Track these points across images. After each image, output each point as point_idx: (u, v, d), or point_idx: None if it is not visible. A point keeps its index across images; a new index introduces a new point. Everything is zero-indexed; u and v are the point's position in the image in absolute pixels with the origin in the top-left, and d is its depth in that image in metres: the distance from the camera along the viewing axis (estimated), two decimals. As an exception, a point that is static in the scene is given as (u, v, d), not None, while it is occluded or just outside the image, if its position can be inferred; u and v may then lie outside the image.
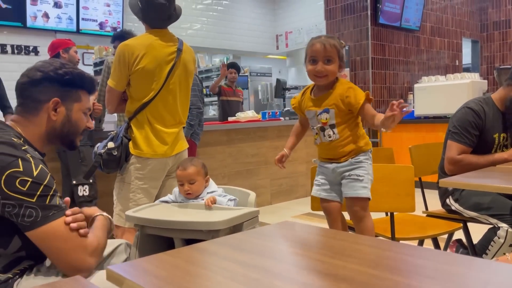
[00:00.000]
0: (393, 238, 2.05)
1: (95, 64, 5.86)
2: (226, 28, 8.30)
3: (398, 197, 2.09)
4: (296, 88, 7.36)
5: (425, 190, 2.59)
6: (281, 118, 5.25)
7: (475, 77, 5.45)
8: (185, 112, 2.47)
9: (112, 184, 2.43)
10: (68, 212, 1.24)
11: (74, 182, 3.12)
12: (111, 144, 2.29)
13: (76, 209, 1.29)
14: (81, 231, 1.24)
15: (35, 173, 1.19)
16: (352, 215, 1.98)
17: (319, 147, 2.04)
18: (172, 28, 2.39)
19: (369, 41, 6.18)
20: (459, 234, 2.36)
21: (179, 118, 2.42)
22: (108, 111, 2.57)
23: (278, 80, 6.93)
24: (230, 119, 4.91)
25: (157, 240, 1.74)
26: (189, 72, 2.44)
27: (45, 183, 1.20)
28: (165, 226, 1.66)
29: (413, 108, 5.76)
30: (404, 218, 2.39)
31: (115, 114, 3.53)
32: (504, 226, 2.06)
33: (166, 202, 1.94)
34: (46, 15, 5.96)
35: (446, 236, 2.39)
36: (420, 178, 2.59)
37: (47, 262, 1.31)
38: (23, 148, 1.23)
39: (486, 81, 5.67)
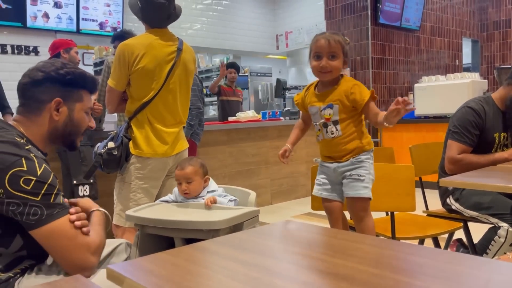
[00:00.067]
0: (393, 237, 2.04)
1: (95, 64, 5.86)
2: (226, 28, 8.30)
3: (398, 196, 2.09)
4: (296, 88, 7.36)
5: (425, 189, 2.59)
6: (281, 118, 5.25)
7: (475, 76, 5.45)
8: (185, 111, 2.47)
9: (113, 184, 2.43)
10: (72, 210, 1.25)
11: (74, 182, 3.12)
12: (111, 144, 2.29)
13: (77, 208, 1.29)
14: (84, 229, 1.25)
15: (39, 172, 1.20)
16: (353, 215, 1.97)
17: (321, 144, 2.02)
18: (172, 28, 2.39)
19: (369, 41, 6.17)
20: (459, 234, 2.36)
21: (179, 117, 2.41)
22: (108, 111, 2.57)
23: (278, 80, 6.93)
24: (230, 119, 4.91)
25: (157, 239, 1.74)
26: (189, 71, 2.43)
27: (49, 181, 1.21)
28: (165, 226, 1.66)
29: (415, 107, 5.76)
30: (405, 217, 2.39)
31: (115, 114, 3.52)
32: (504, 225, 2.06)
33: (167, 201, 1.94)
34: (46, 15, 5.96)
35: (446, 235, 2.39)
36: (420, 178, 2.59)
37: (48, 261, 1.31)
38: (26, 147, 1.24)
39: (486, 80, 5.67)
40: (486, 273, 0.78)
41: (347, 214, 2.07)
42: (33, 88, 1.35)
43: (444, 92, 5.33)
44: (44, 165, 1.23)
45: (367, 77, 6.23)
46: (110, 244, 1.51)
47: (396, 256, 0.89)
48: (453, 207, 2.32)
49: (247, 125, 4.78)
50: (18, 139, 1.25)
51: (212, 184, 1.94)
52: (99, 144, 2.36)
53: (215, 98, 6.39)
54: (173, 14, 2.35)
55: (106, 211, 1.45)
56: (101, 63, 5.25)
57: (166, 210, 1.81)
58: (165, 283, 0.78)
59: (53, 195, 1.21)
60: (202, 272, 0.85)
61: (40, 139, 1.36)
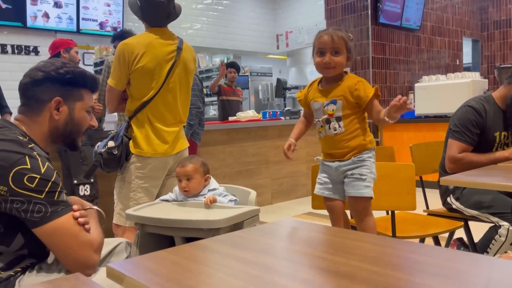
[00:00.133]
0: (394, 236, 2.04)
1: (95, 64, 5.86)
2: (226, 28, 8.30)
3: (399, 195, 2.08)
4: (296, 87, 7.36)
5: (426, 189, 2.58)
6: (281, 117, 5.25)
7: (475, 76, 5.45)
8: (185, 111, 2.47)
9: (113, 184, 2.43)
10: (75, 207, 1.26)
11: (75, 181, 3.11)
12: (111, 143, 2.29)
13: (79, 205, 1.30)
14: (86, 226, 1.26)
15: (42, 170, 1.20)
16: (355, 214, 1.97)
17: (323, 141, 2.01)
18: (172, 27, 2.39)
19: (370, 41, 6.17)
20: (460, 233, 2.36)
21: (180, 117, 2.41)
22: (108, 110, 2.57)
23: (278, 80, 6.92)
24: (230, 118, 4.91)
25: (157, 238, 1.74)
26: (189, 70, 2.43)
27: (52, 179, 1.22)
28: (165, 225, 1.66)
29: (414, 107, 5.76)
30: (405, 216, 2.39)
31: (116, 114, 3.52)
32: (505, 224, 2.06)
33: (167, 200, 1.94)
34: (46, 15, 5.96)
35: (447, 234, 2.39)
36: (421, 177, 2.59)
37: (49, 260, 1.31)
38: (29, 146, 1.24)
39: (486, 80, 5.67)
40: (486, 270, 0.78)
41: (349, 213, 2.07)
42: (33, 87, 1.35)
43: (444, 92, 5.32)
44: (47, 163, 1.24)
45: (368, 77, 6.22)
46: (110, 243, 1.51)
47: (396, 254, 0.89)
48: (454, 206, 2.31)
49: (248, 125, 4.78)
50: (21, 138, 1.25)
51: (213, 183, 1.94)
52: (99, 143, 2.36)
53: (215, 98, 6.39)
54: (172, 13, 2.35)
55: (99, 209, 1.46)
56: (101, 63, 5.25)
57: (166, 209, 1.81)
58: (165, 281, 0.78)
59: (56, 193, 1.22)
60: (202, 270, 0.85)
61: (41, 139, 1.36)
